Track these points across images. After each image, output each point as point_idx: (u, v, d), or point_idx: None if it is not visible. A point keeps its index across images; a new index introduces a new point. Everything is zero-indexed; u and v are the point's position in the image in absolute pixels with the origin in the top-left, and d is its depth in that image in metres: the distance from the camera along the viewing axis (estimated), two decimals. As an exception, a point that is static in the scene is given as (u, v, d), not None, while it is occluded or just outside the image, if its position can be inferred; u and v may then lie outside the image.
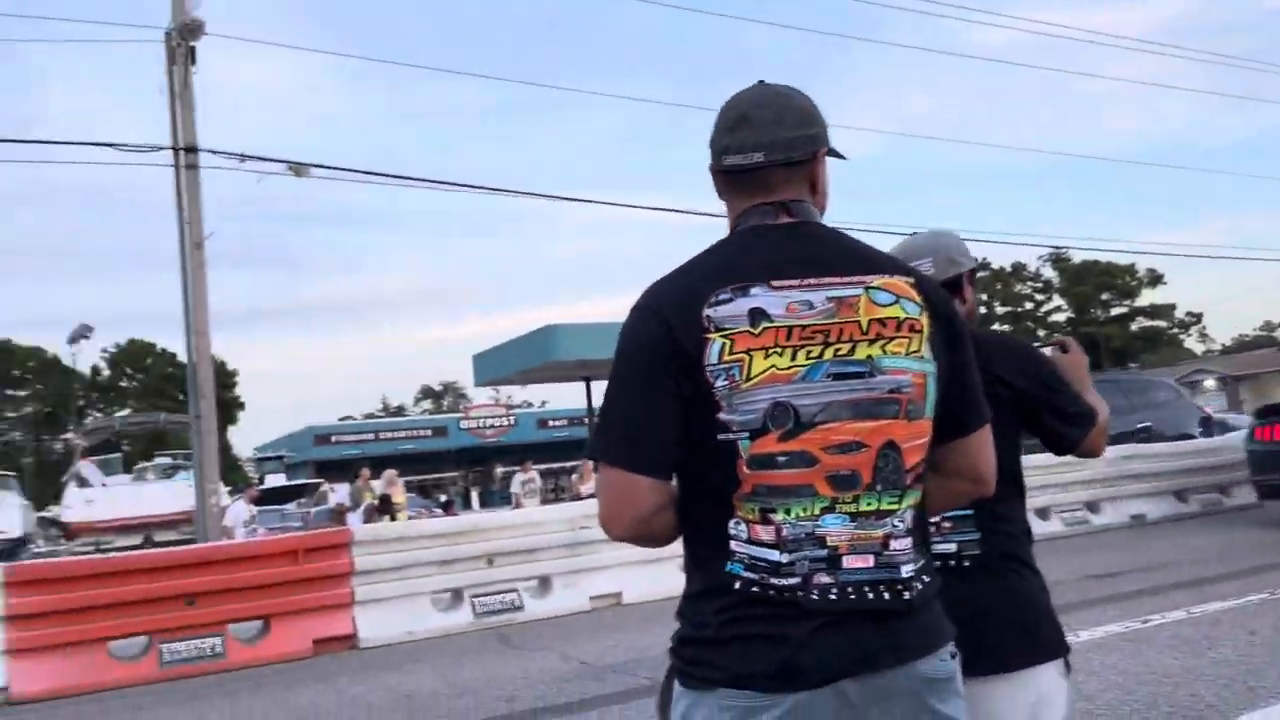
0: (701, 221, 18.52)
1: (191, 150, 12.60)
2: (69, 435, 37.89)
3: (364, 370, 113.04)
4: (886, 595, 1.33)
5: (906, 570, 1.35)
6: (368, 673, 6.43)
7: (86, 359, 67.46)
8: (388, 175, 16.54)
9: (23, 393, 69.38)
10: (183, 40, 12.70)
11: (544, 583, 8.25)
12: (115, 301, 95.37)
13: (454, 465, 53.05)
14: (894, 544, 1.34)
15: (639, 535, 1.40)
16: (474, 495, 41.28)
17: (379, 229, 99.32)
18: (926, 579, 1.38)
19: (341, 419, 57.67)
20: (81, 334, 31.65)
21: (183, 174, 12.53)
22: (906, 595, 1.34)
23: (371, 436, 51.37)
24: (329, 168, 13.83)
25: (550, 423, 48.33)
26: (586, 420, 26.44)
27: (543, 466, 27.26)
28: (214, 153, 12.81)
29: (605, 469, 1.36)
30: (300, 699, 5.85)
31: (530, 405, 56.62)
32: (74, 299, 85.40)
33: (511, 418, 51.23)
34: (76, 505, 19.52)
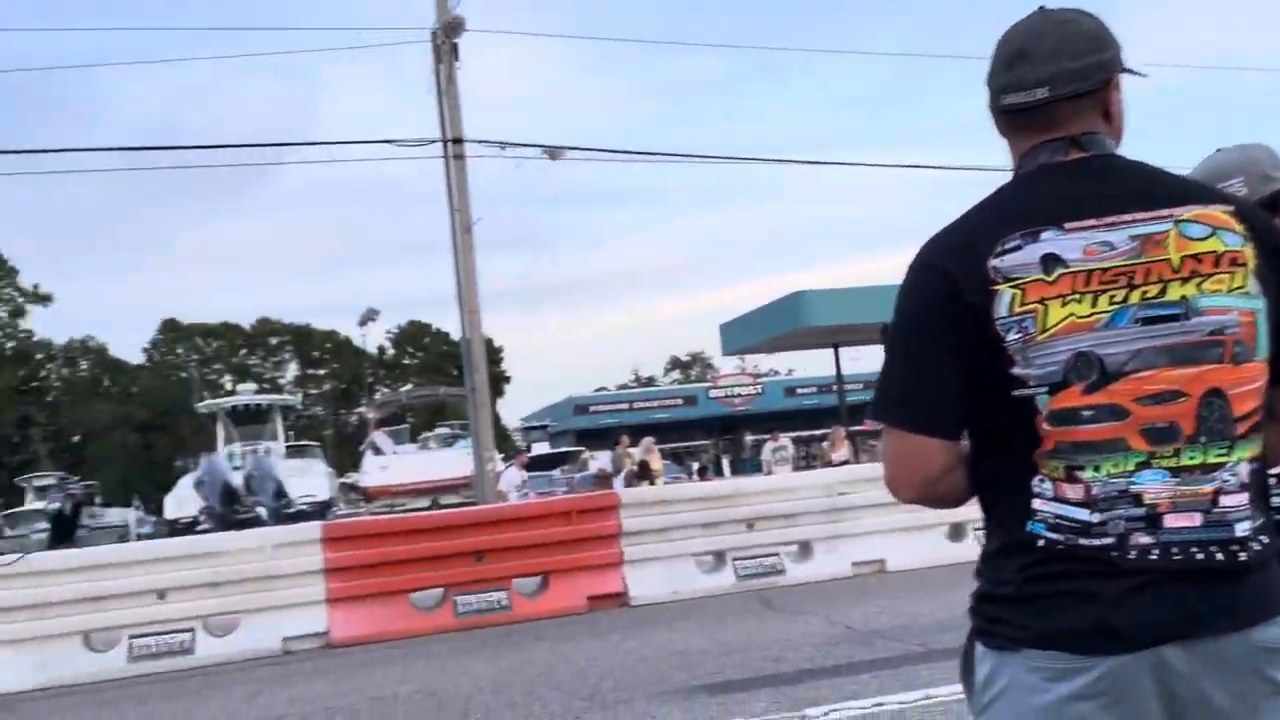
0: (963, 176, 17.69)
1: (458, 141, 13.53)
2: (362, 409, 41.95)
3: (616, 343, 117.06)
4: (1219, 555, 1.21)
5: (1241, 529, 1.23)
6: (639, 629, 6.74)
7: (373, 340, 74.14)
8: (637, 153, 16.99)
9: (322, 372, 77.35)
10: (446, 38, 13.62)
11: (804, 548, 8.28)
12: (396, 286, 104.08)
13: (704, 433, 53.80)
14: (1225, 500, 1.23)
15: (926, 497, 1.36)
16: (725, 463, 41.83)
17: (629, 205, 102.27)
18: (1265, 539, 1.25)
19: (597, 390, 59.94)
20: (369, 317, 34.90)
21: (451, 164, 13.49)
22: (1242, 555, 1.22)
23: (626, 406, 53.05)
24: (581, 149, 14.43)
25: (798, 390, 47.95)
26: (835, 388, 26.06)
27: (791, 434, 27.22)
28: (478, 142, 13.71)
29: (890, 431, 1.33)
30: (578, 651, 6.23)
31: (776, 374, 56.43)
32: (361, 285, 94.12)
33: (759, 386, 51.28)
34: (373, 471, 21.61)
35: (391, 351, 77.85)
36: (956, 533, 7.94)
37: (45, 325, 76.86)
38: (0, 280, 64.82)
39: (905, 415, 1.32)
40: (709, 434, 53.62)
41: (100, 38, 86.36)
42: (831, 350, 23.83)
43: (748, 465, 45.24)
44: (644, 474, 14.65)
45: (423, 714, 5.01)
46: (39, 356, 69.15)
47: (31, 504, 29.09)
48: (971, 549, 6.94)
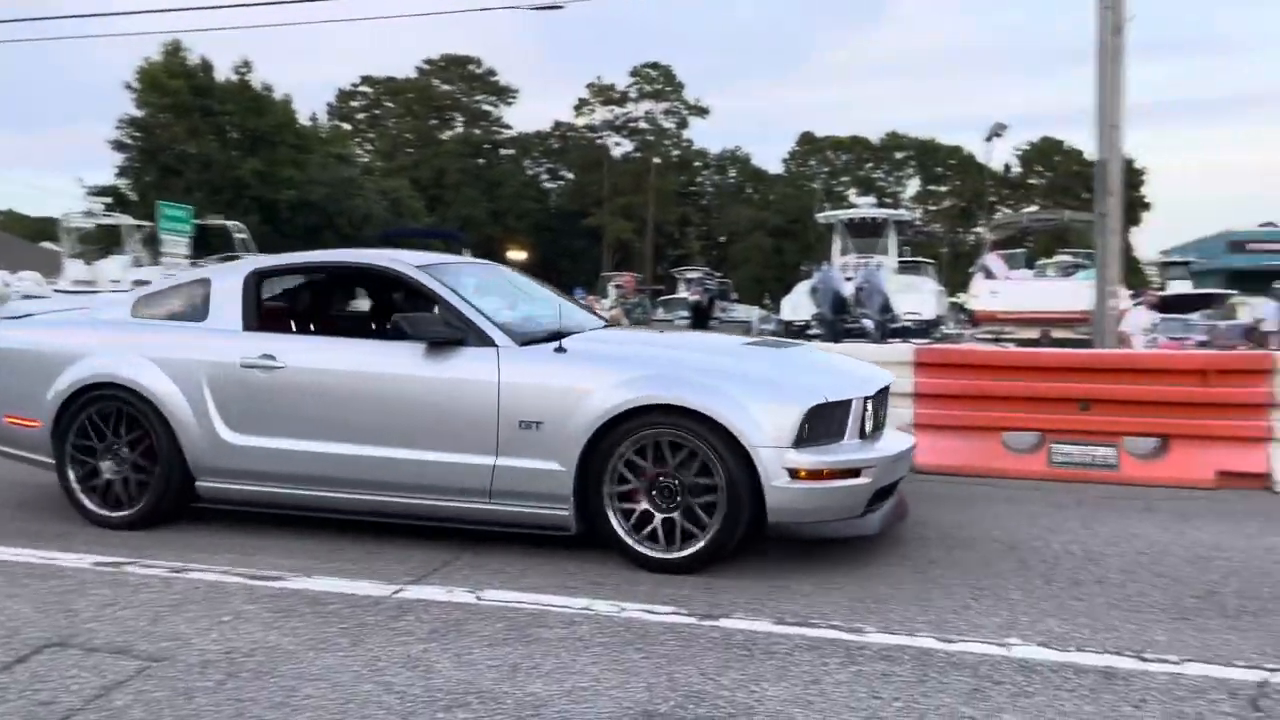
0: None
1: (1119, -80, 11.46)
2: (980, 229, 40.61)
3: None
4: None
5: None
6: (1284, 524, 5.48)
7: (999, 157, 70.72)
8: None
9: (943, 188, 76.25)
10: None
11: None
12: (1031, 99, 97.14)
13: None
14: None
15: None
16: None
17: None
18: None
19: (1262, 224, 50.63)
20: (996, 132, 32.99)
21: (1108, -51, 11.52)
22: None
23: (1300, 246, 44.22)
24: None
25: None
26: None
27: None
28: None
29: None
30: (1200, 535, 5.26)
31: None
32: (994, 99, 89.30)
33: None
34: (982, 295, 20.79)
35: (1018, 169, 73.67)
36: None
37: (702, 136, 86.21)
38: (670, 95, 73.61)
39: None
40: None
41: None
42: None
43: None
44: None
45: (1004, 562, 4.61)
46: (696, 164, 78.20)
47: (682, 292, 33.59)
48: None
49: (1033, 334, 17.73)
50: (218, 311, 5.19)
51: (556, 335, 4.79)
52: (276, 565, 4.51)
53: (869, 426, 4.64)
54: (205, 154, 46.48)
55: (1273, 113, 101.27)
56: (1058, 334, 17.08)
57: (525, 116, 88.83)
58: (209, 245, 30.77)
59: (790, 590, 4.18)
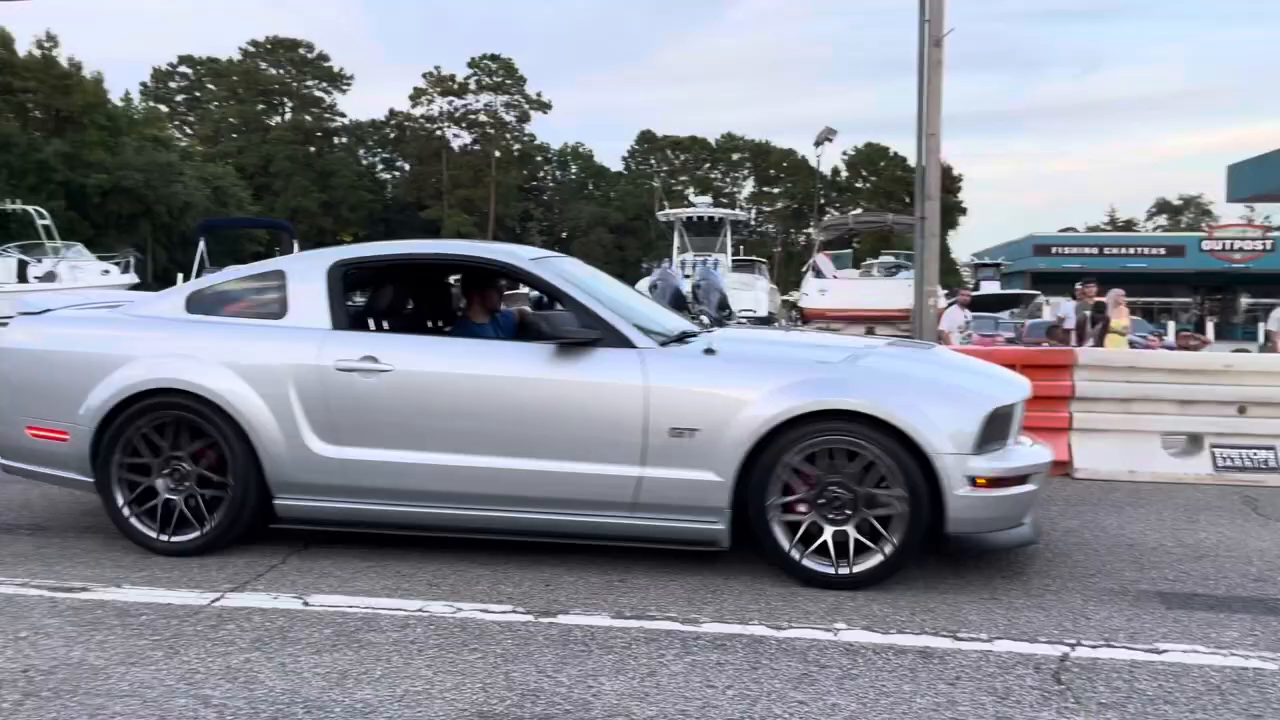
0: None
1: (938, -61, 12.10)
2: (810, 230, 42.12)
3: (1092, 180, 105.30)
4: None
5: None
6: (1082, 508, 5.93)
7: (829, 161, 73.64)
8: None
9: (776, 190, 78.77)
10: None
11: (1314, 446, 6.74)
12: (859, 106, 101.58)
13: (1188, 290, 47.34)
14: None
15: None
16: (1209, 326, 36.45)
17: (1139, 19, 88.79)
18: None
19: (1063, 230, 54.60)
20: (826, 137, 34.22)
21: (927, -34, 12.16)
22: None
23: (1095, 251, 48.04)
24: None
25: (1322, 250, 39.99)
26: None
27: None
28: (960, -61, 12.16)
29: None
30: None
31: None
32: (824, 105, 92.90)
33: (1268, 242, 43.55)
34: (812, 293, 21.63)
35: (845, 173, 76.87)
36: None
37: (544, 131, 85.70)
38: (511, 88, 73.02)
39: None
40: (1194, 290, 47.04)
41: None
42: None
43: (1238, 332, 39.14)
44: (1097, 317, 12.98)
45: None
46: (538, 159, 77.89)
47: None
48: None
49: (859, 330, 18.54)
50: (299, 308, 4.59)
51: (683, 336, 4.60)
52: (82, 576, 4.20)
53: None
54: (5, 135, 42.92)
55: (1071, 125, 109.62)
56: (882, 331, 17.94)
57: (360, 105, 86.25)
58: (8, 232, 28.47)
59: (628, 584, 4.21)
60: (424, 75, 71.63)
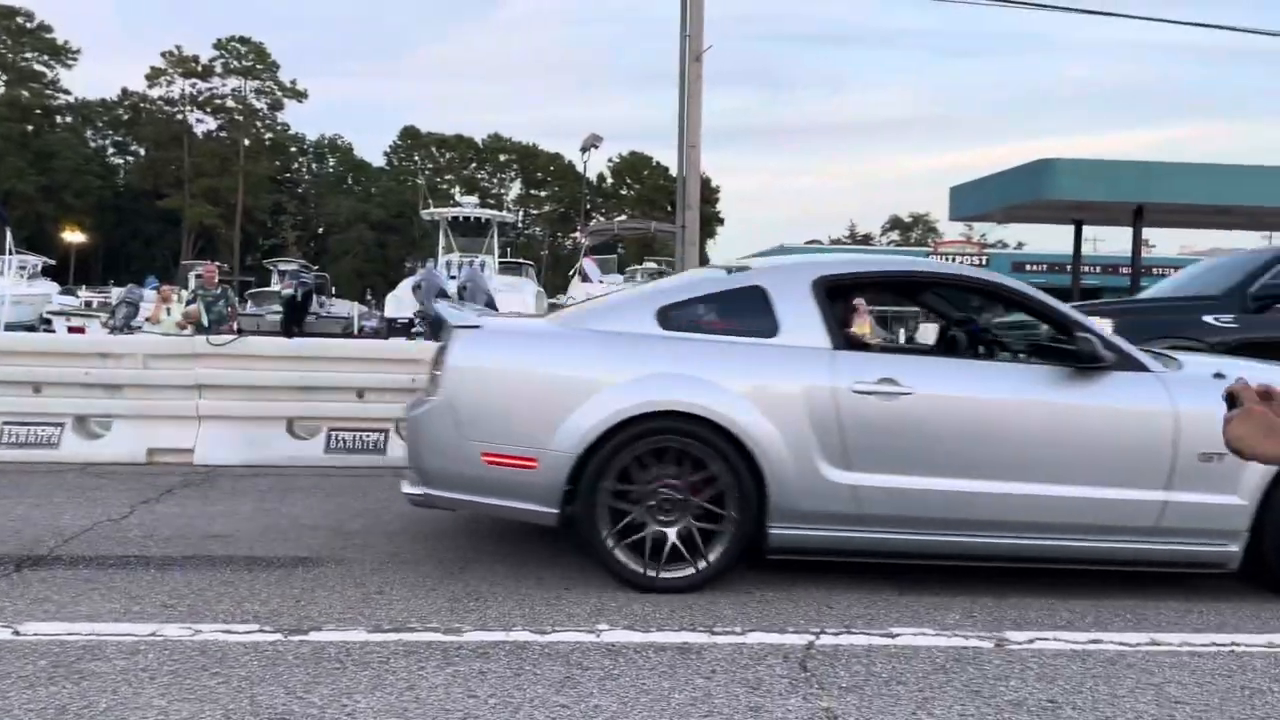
0: (1265, 43, 15.11)
1: (697, -43, 12.57)
2: (576, 234, 42.63)
3: (837, 196, 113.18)
4: None
5: None
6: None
7: (595, 167, 74.87)
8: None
9: (543, 194, 79.14)
10: None
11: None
12: (625, 115, 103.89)
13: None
14: None
15: None
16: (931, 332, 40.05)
17: (880, 49, 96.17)
18: None
19: (808, 242, 58.24)
20: (592, 143, 34.76)
21: (688, -16, 12.61)
22: None
23: (838, 262, 51.34)
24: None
25: (1027, 267, 44.89)
26: (1070, 268, 23.90)
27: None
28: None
29: None
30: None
31: (1005, 246, 53.00)
32: (591, 112, 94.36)
33: (983, 258, 48.30)
34: (578, 296, 21.88)
35: (610, 180, 78.39)
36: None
37: (299, 120, 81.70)
38: (262, 73, 69.07)
39: None
40: (922, 302, 51.18)
41: None
42: (1073, 226, 21.71)
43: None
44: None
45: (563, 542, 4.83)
46: (292, 149, 74.13)
47: (275, 285, 31.53)
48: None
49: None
50: (791, 326, 4.36)
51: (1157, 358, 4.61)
52: None
53: None
54: None
55: (821, 145, 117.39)
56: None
57: (88, 82, 78.80)
58: None
59: (386, 596, 4.06)
60: (163, 54, 66.49)
